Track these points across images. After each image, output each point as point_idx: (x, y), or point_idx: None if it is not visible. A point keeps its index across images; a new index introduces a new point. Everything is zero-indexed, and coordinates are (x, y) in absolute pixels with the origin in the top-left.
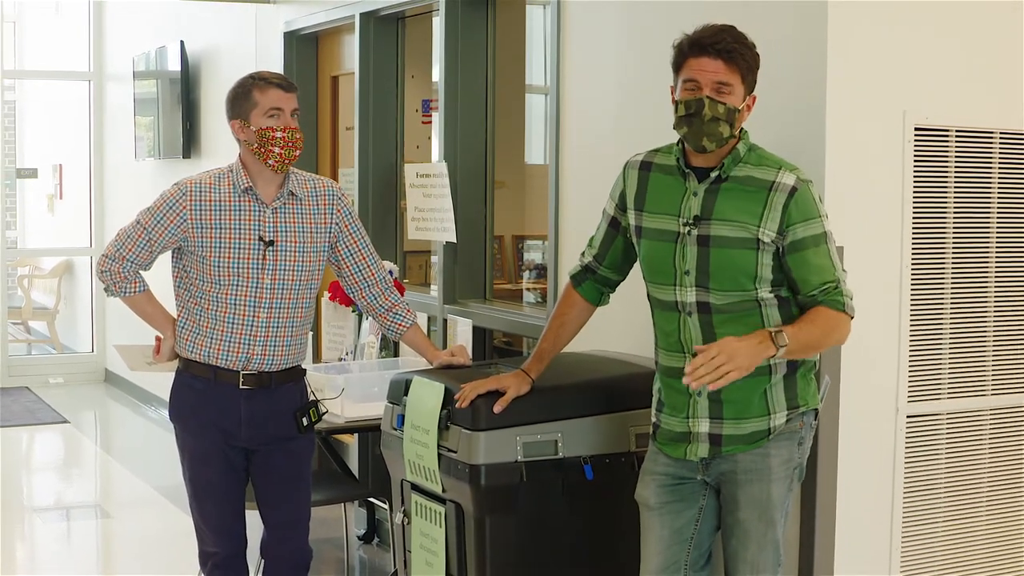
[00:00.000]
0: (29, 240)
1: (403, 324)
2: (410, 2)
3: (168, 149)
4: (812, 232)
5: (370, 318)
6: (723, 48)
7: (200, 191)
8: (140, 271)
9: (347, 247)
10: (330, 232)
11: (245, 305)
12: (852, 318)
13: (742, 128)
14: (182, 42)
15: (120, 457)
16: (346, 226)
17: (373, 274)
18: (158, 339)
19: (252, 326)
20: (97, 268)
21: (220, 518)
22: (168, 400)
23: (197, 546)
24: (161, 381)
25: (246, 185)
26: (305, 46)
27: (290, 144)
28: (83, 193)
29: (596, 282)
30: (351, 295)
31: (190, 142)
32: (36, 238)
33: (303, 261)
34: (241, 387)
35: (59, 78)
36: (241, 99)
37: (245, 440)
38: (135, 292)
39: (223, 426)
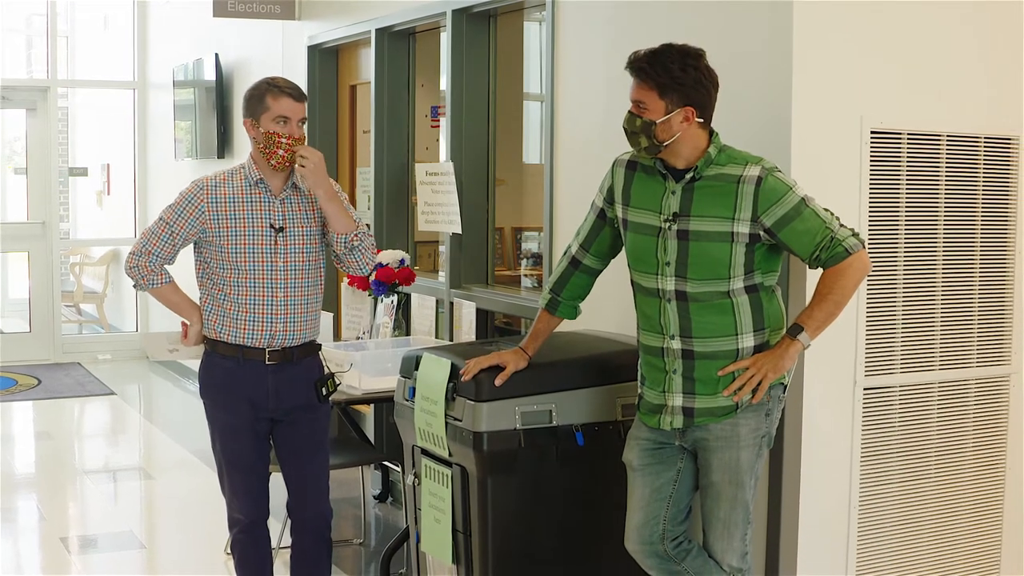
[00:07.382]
0: (80, 231)
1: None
2: (420, 19)
3: (204, 150)
4: (790, 205)
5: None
6: (636, 68)
7: (216, 186)
8: (165, 265)
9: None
10: (320, 218)
11: (264, 288)
12: (863, 249)
13: (713, 131)
14: (217, 54)
15: (161, 425)
16: None
17: None
18: (184, 325)
19: (272, 306)
20: (126, 265)
21: (248, 486)
22: (198, 378)
23: (227, 512)
24: (198, 359)
25: (258, 178)
26: (327, 58)
27: (292, 151)
28: (128, 189)
29: (573, 288)
30: (339, 260)
31: (223, 144)
32: (86, 230)
33: (309, 243)
34: (268, 363)
35: (107, 87)
36: (255, 101)
37: (272, 410)
38: (161, 284)
39: (252, 399)
